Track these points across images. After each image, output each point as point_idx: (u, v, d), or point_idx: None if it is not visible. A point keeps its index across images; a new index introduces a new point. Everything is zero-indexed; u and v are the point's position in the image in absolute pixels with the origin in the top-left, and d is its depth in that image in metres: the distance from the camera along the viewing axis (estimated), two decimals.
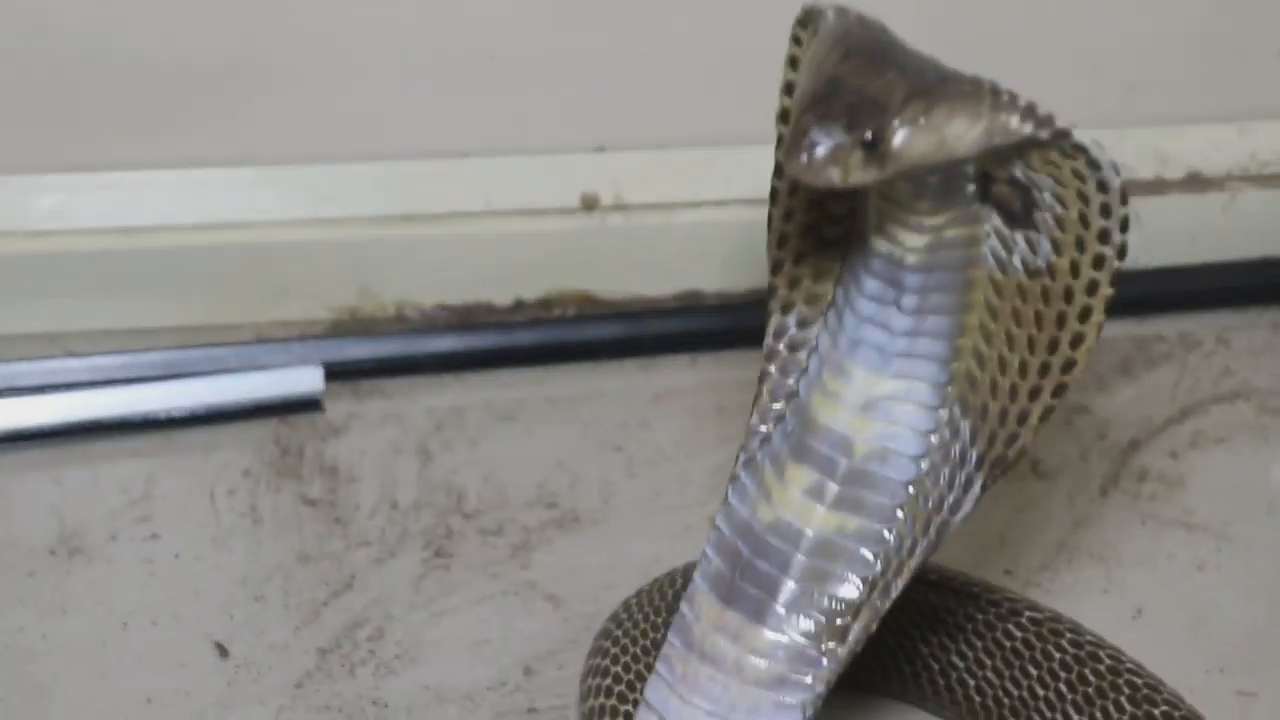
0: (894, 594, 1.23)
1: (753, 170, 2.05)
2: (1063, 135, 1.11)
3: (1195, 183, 2.16)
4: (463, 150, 2.07)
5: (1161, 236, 2.11)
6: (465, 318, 2.10)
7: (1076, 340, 1.18)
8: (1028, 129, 1.10)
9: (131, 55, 2.00)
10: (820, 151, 1.04)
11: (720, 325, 2.10)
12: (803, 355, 1.25)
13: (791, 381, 1.25)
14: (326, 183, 2.05)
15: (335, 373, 1.99)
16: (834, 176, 1.05)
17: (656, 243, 2.10)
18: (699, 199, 2.09)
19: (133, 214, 2.04)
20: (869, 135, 1.05)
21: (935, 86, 1.08)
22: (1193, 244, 2.15)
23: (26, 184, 2.03)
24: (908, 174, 1.11)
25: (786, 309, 1.26)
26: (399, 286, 2.09)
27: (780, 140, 1.23)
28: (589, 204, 2.08)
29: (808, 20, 1.19)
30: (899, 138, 1.06)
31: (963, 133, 1.08)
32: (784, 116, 1.22)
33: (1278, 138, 2.16)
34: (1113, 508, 1.90)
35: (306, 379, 1.97)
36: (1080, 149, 1.12)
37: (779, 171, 1.25)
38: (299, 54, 1.99)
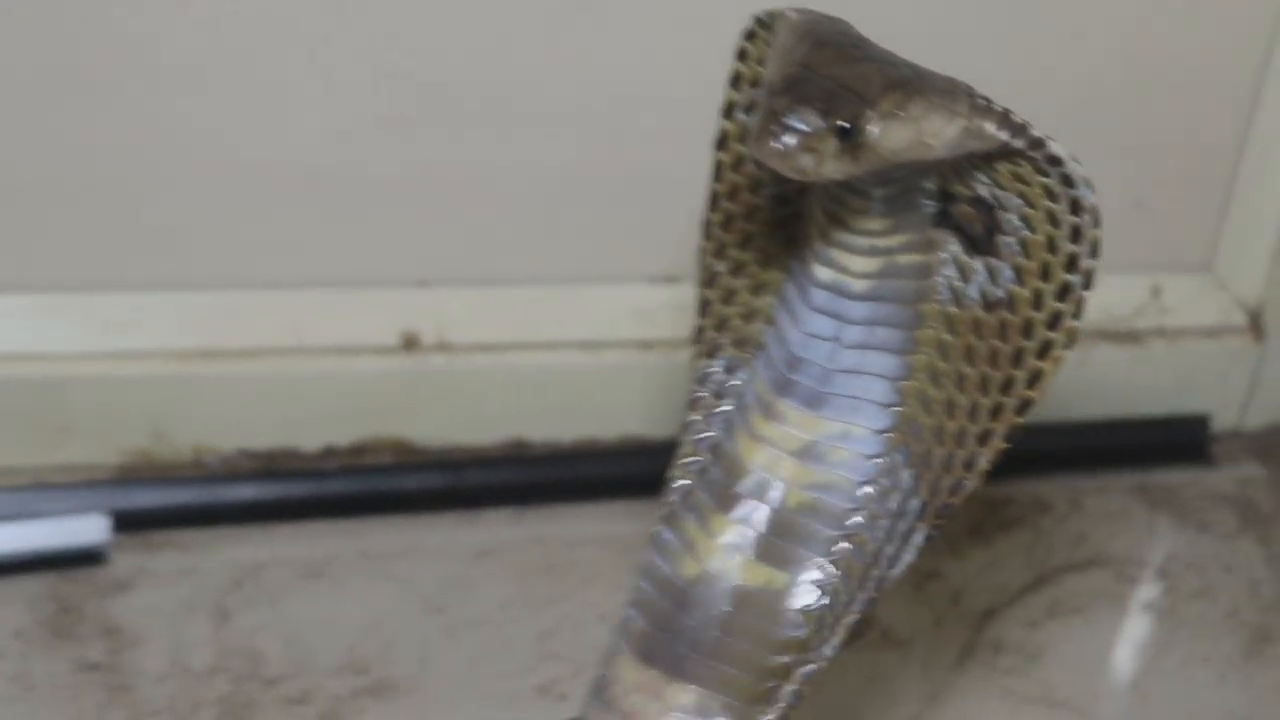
0: (827, 654, 1.18)
1: (588, 311, 1.96)
2: (1038, 144, 1.07)
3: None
4: (271, 280, 1.92)
5: None
6: (270, 464, 1.95)
7: (1034, 379, 1.13)
8: (1004, 135, 1.06)
9: None
10: (794, 137, 1.00)
11: (548, 477, 1.99)
12: (729, 402, 1.20)
13: (716, 431, 1.20)
14: (117, 311, 1.89)
15: (123, 522, 1.85)
16: (807, 164, 1.00)
17: (481, 386, 1.97)
18: (528, 340, 1.96)
19: None
20: (845, 123, 1.01)
21: (913, 80, 1.04)
22: (1045, 403, 2.03)
23: None
24: (878, 173, 1.06)
25: (713, 353, 1.21)
26: (197, 429, 1.93)
27: (722, 140, 1.17)
28: (409, 343, 1.93)
29: (769, 21, 1.13)
30: (876, 128, 1.02)
31: (939, 129, 1.04)
32: (722, 141, 1.18)
33: (1133, 292, 2.09)
34: (970, 680, 1.81)
35: (89, 529, 1.82)
36: (1055, 161, 1.08)
37: (714, 203, 1.20)
38: (89, 167, 1.82)
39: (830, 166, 1.02)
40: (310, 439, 1.96)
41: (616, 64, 1.83)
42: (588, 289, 1.96)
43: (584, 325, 1.96)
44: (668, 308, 1.99)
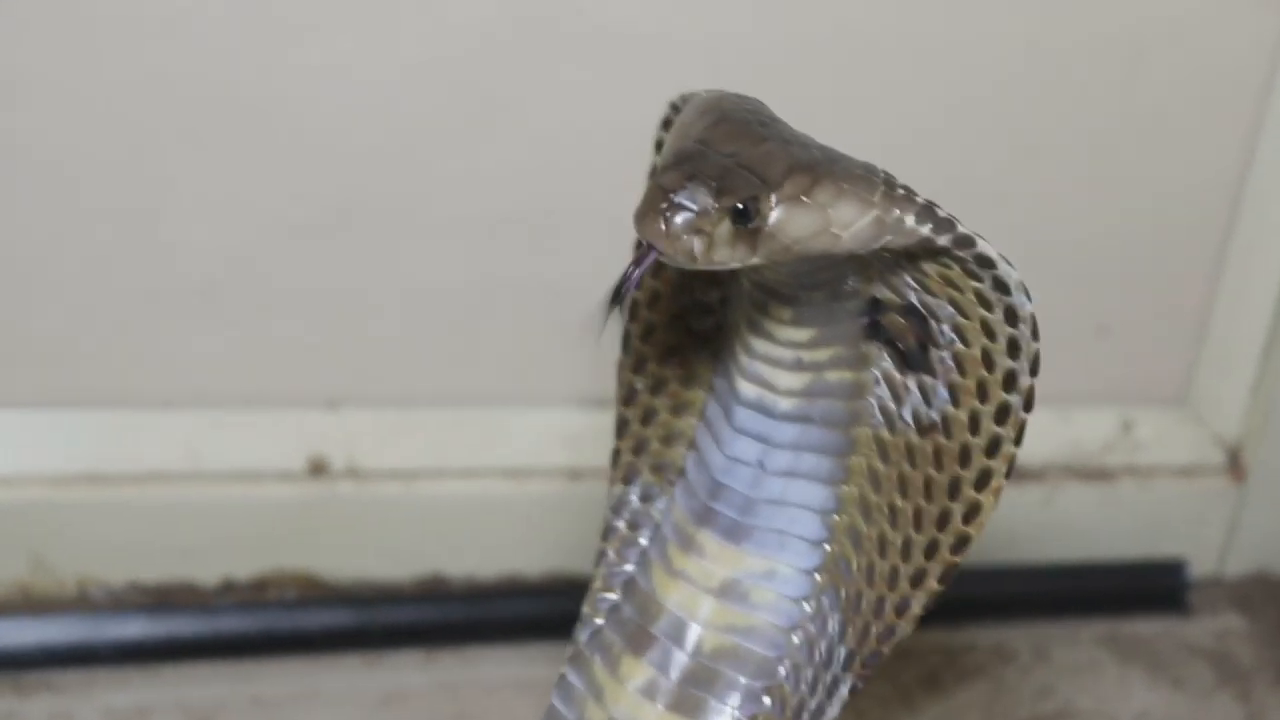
0: None
1: (511, 435, 1.83)
2: (966, 242, 0.99)
3: (1011, 474, 1.95)
4: (165, 399, 1.80)
5: None
6: (162, 599, 1.83)
7: (971, 512, 1.05)
8: (925, 229, 0.97)
9: None
10: (682, 217, 0.92)
11: (465, 616, 1.87)
12: (645, 534, 1.14)
13: (630, 565, 1.14)
14: None
15: None
16: (694, 248, 0.93)
17: (394, 517, 1.85)
18: (446, 467, 1.85)
19: None
20: (740, 204, 0.93)
21: (821, 163, 0.96)
22: (1009, 543, 1.93)
23: None
24: (798, 273, 0.99)
25: (629, 478, 1.16)
26: (82, 559, 1.81)
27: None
28: (316, 468, 1.82)
29: (681, 104, 1.05)
30: (777, 213, 0.94)
31: (850, 220, 0.95)
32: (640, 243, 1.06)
33: (1103, 426, 1.98)
34: None
35: None
36: (986, 262, 0.99)
37: (633, 313, 1.14)
38: None
39: (722, 253, 0.94)
40: (207, 571, 1.83)
41: (537, 171, 1.73)
42: (511, 412, 1.85)
43: (507, 451, 1.86)
44: (599, 433, 1.85)
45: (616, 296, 0.98)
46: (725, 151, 0.95)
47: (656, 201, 0.93)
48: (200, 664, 1.77)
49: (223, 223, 1.71)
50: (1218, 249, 1.92)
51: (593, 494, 1.85)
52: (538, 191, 1.74)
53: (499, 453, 1.84)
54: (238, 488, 1.80)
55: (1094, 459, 1.98)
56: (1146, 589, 2.01)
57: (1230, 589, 2.04)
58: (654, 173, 0.97)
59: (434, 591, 1.87)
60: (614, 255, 1.77)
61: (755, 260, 0.94)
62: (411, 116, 1.69)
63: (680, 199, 0.92)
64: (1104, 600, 1.99)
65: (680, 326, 1.13)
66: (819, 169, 0.95)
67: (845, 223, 0.95)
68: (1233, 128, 1.86)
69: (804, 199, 0.94)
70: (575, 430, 1.86)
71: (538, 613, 1.85)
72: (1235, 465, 1.99)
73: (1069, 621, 1.96)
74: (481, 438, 1.85)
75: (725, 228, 0.93)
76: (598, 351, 1.82)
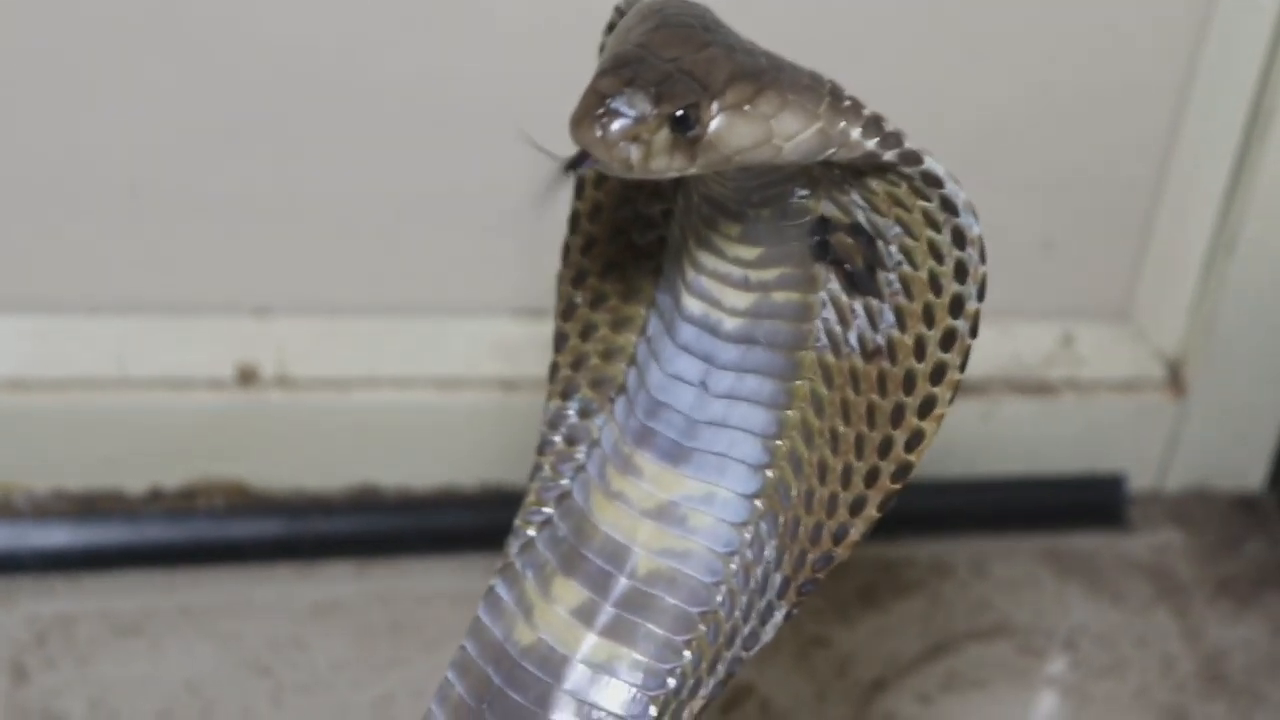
0: None
1: (444, 345, 1.81)
2: (913, 159, 0.96)
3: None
4: (92, 304, 1.76)
5: None
6: (87, 507, 1.80)
7: (913, 440, 1.02)
8: (871, 144, 0.95)
9: None
10: (619, 124, 0.89)
11: (398, 526, 1.85)
12: (582, 450, 1.11)
13: (566, 481, 1.10)
14: None
15: None
16: (631, 155, 0.90)
17: (326, 426, 1.82)
18: (378, 376, 1.82)
19: None
20: (680, 112, 0.90)
21: (767, 70, 0.93)
22: (947, 457, 1.92)
23: None
24: (728, 179, 0.97)
25: (568, 393, 1.12)
26: (5, 467, 1.78)
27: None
28: (246, 376, 1.79)
29: (626, 7, 1.01)
30: (717, 121, 0.91)
31: (793, 131, 0.93)
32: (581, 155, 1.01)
33: (1043, 339, 1.96)
34: None
35: None
36: (933, 180, 0.96)
37: (573, 225, 1.10)
38: None
39: (659, 162, 0.90)
40: (134, 480, 1.81)
41: (473, 71, 1.69)
42: (444, 321, 1.83)
43: (440, 361, 1.83)
44: (534, 344, 1.83)
45: (571, 164, 0.94)
46: (666, 56, 0.92)
47: (592, 107, 0.89)
48: (127, 573, 1.75)
49: (147, 124, 1.68)
50: (1159, 164, 1.90)
51: (527, 405, 1.83)
52: (470, 94, 1.71)
53: (432, 362, 1.82)
54: (165, 395, 1.77)
55: (1034, 373, 1.96)
56: (1086, 504, 2.00)
57: (1169, 504, 2.03)
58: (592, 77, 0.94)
59: (366, 502, 1.85)
60: (539, 164, 1.75)
61: (694, 170, 0.92)
62: (346, 20, 1.66)
63: (617, 105, 0.89)
64: (1043, 515, 1.98)
65: (622, 240, 1.10)
66: (763, 77, 0.93)
67: (788, 134, 0.93)
68: (1174, 40, 1.84)
69: (746, 108, 0.91)
70: (510, 341, 1.84)
71: (471, 524, 1.83)
72: (1176, 380, 1.98)
73: (1008, 536, 1.95)
74: (414, 347, 1.82)
75: (663, 136, 0.90)
76: (532, 262, 1.81)
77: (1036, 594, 1.89)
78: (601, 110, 0.89)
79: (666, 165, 0.91)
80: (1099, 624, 1.86)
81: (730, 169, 0.94)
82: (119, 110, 1.67)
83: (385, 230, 1.78)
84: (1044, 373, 1.97)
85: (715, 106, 0.91)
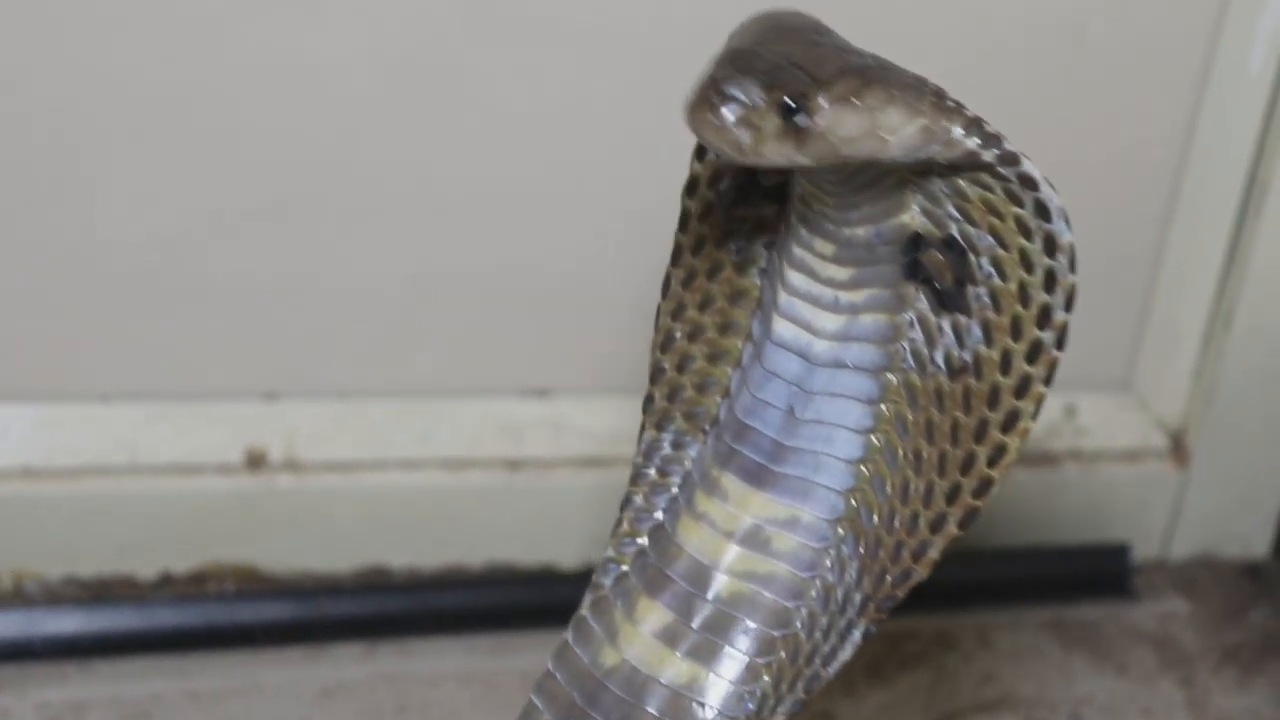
0: None
1: (450, 426, 1.82)
2: (1011, 159, 0.99)
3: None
4: (102, 392, 1.78)
5: None
6: (99, 593, 1.80)
7: (996, 455, 1.04)
8: (973, 143, 0.98)
9: None
10: (731, 108, 0.92)
11: (406, 608, 1.84)
12: (676, 480, 1.11)
13: (660, 514, 1.11)
14: None
15: None
16: (743, 139, 0.93)
17: (334, 508, 1.83)
18: (385, 458, 1.83)
19: None
20: (790, 100, 0.93)
21: (873, 68, 0.96)
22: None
23: None
24: (829, 188, 0.99)
25: (662, 425, 1.12)
26: (18, 554, 1.79)
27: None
28: (254, 460, 1.79)
29: None
30: (826, 111, 0.94)
31: (898, 125, 0.96)
32: (692, 187, 1.10)
33: (1047, 411, 1.89)
34: None
35: None
36: (1030, 183, 0.99)
37: (676, 258, 1.11)
38: None
39: (770, 148, 0.93)
40: (145, 565, 1.81)
41: (475, 159, 1.71)
42: (450, 402, 1.84)
43: (446, 442, 1.84)
44: (539, 423, 1.85)
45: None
46: (778, 51, 0.96)
47: (707, 93, 0.93)
48: (138, 659, 1.75)
49: (158, 212, 1.69)
50: (1157, 237, 1.91)
51: (533, 484, 1.84)
52: (476, 179, 1.73)
53: (438, 443, 1.83)
54: (175, 481, 1.78)
55: (1038, 444, 1.97)
56: (1091, 574, 2.00)
57: (1174, 573, 2.03)
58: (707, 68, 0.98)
59: (375, 583, 1.85)
60: (556, 244, 1.77)
61: (802, 160, 0.95)
62: (349, 104, 1.68)
63: (731, 90, 0.93)
64: (1048, 586, 1.98)
65: (722, 275, 1.12)
66: (870, 73, 0.96)
67: (893, 127, 0.95)
68: (1170, 113, 1.85)
69: (854, 100, 0.94)
70: (515, 420, 1.85)
71: (479, 604, 1.84)
72: (1178, 449, 1.99)
73: (1013, 608, 1.95)
74: (421, 429, 1.83)
75: (773, 122, 0.93)
76: (536, 341, 1.83)
77: (1041, 665, 1.89)
78: (716, 95, 0.93)
79: (776, 151, 0.94)
80: (1104, 694, 1.86)
81: (836, 160, 0.96)
82: (125, 198, 1.68)
83: (390, 313, 1.79)
84: (1047, 444, 1.97)
85: (824, 98, 0.94)
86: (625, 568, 1.10)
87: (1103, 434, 2.00)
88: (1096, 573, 2.00)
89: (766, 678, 1.06)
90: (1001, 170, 0.99)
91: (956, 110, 0.98)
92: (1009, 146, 0.98)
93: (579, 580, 1.85)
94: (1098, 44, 1.77)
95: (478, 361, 1.83)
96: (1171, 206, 1.89)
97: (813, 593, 1.07)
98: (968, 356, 1.03)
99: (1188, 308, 1.93)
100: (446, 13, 1.64)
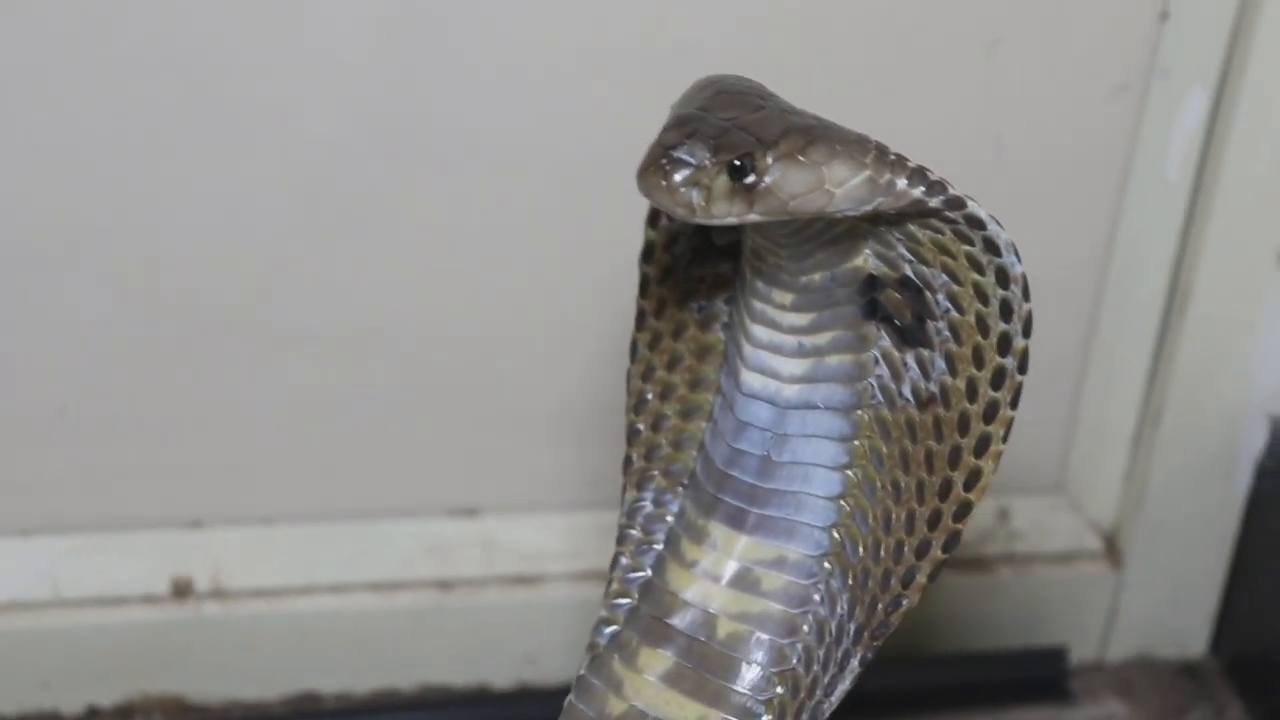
0: None
1: (378, 549, 1.81)
2: (957, 204, 1.02)
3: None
4: (22, 526, 1.77)
5: None
6: None
7: (972, 479, 1.08)
8: (918, 191, 1.01)
9: None
10: (681, 171, 0.96)
11: None
12: (660, 537, 1.14)
13: (647, 571, 1.14)
14: None
15: None
16: (694, 199, 0.97)
17: (262, 636, 1.81)
18: (313, 584, 1.82)
19: None
20: (738, 160, 0.97)
21: (816, 127, 1.01)
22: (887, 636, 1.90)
23: None
24: (782, 241, 1.03)
25: (642, 484, 1.15)
26: None
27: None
28: (181, 590, 1.78)
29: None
30: (774, 171, 0.98)
31: (844, 179, 0.99)
32: (649, 253, 1.15)
33: (980, 516, 1.96)
34: None
35: None
36: (977, 223, 1.03)
37: (640, 322, 1.16)
38: None
39: (721, 207, 0.97)
40: (71, 700, 1.80)
41: (392, 282, 1.71)
42: (377, 525, 1.82)
43: (375, 564, 1.83)
44: (470, 543, 1.83)
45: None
46: (724, 116, 0.99)
47: (657, 157, 0.97)
48: None
49: (71, 345, 1.68)
50: (1085, 337, 1.92)
51: (464, 604, 1.83)
52: (392, 303, 1.72)
53: (367, 566, 1.81)
54: (100, 613, 1.76)
55: (971, 549, 1.97)
56: (1028, 677, 1.98)
57: (1111, 675, 2.02)
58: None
59: (306, 710, 1.83)
60: (468, 365, 1.77)
61: (753, 216, 0.98)
62: (262, 231, 1.67)
63: (679, 154, 0.96)
64: (986, 691, 1.96)
65: (687, 334, 1.16)
66: (814, 131, 0.99)
67: (839, 180, 0.99)
68: (1092, 218, 1.86)
69: (799, 157, 0.98)
70: (444, 540, 1.84)
71: None
72: (1112, 550, 1.99)
73: (951, 714, 1.94)
74: (349, 551, 1.81)
75: (723, 182, 0.97)
76: (463, 459, 1.82)
77: None
78: (665, 160, 0.96)
79: (727, 210, 0.97)
80: None
81: (785, 216, 0.99)
82: (44, 333, 1.67)
83: (313, 437, 1.78)
84: (981, 549, 1.97)
85: (770, 156, 0.98)
86: (618, 626, 1.13)
87: (1036, 537, 1.99)
88: (1034, 676, 1.99)
89: (767, 717, 1.09)
90: (949, 214, 1.03)
91: (899, 162, 1.01)
92: (954, 192, 1.01)
93: (513, 700, 1.86)
94: (1016, 153, 1.78)
95: (404, 482, 1.82)
96: (1097, 310, 1.90)
97: (806, 627, 1.09)
98: (934, 388, 1.07)
99: (1116, 409, 1.93)
100: (366, 144, 1.64)
